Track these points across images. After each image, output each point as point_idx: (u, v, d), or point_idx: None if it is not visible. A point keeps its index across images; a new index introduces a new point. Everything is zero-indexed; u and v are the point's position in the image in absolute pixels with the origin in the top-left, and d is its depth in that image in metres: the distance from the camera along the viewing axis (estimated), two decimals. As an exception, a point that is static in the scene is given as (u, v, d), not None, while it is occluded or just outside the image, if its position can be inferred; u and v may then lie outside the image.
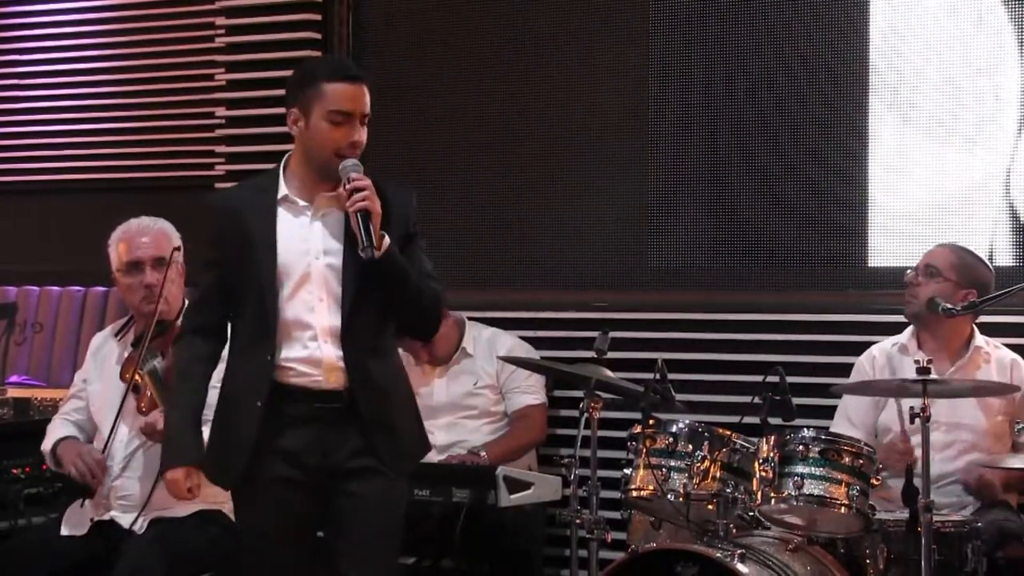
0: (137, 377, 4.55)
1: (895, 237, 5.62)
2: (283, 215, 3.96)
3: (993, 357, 4.97)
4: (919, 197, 5.57)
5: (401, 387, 4.09)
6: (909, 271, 4.99)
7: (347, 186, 3.86)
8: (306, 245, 3.95)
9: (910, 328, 5.05)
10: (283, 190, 3.98)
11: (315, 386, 3.93)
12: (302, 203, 3.97)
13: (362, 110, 3.92)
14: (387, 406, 3.99)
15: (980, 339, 4.99)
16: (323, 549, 4.02)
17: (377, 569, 4.00)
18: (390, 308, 3.99)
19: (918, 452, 4.39)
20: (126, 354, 4.73)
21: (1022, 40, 5.45)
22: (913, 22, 5.59)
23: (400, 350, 5.57)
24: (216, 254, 4.00)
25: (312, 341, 3.93)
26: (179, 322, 4.69)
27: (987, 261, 5.04)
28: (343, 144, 3.90)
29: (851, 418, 5.01)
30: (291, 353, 3.92)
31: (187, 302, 4.58)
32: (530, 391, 5.63)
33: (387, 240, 3.86)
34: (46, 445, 4.83)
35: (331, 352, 3.93)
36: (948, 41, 5.55)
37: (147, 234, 4.78)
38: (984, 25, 5.49)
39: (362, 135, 3.93)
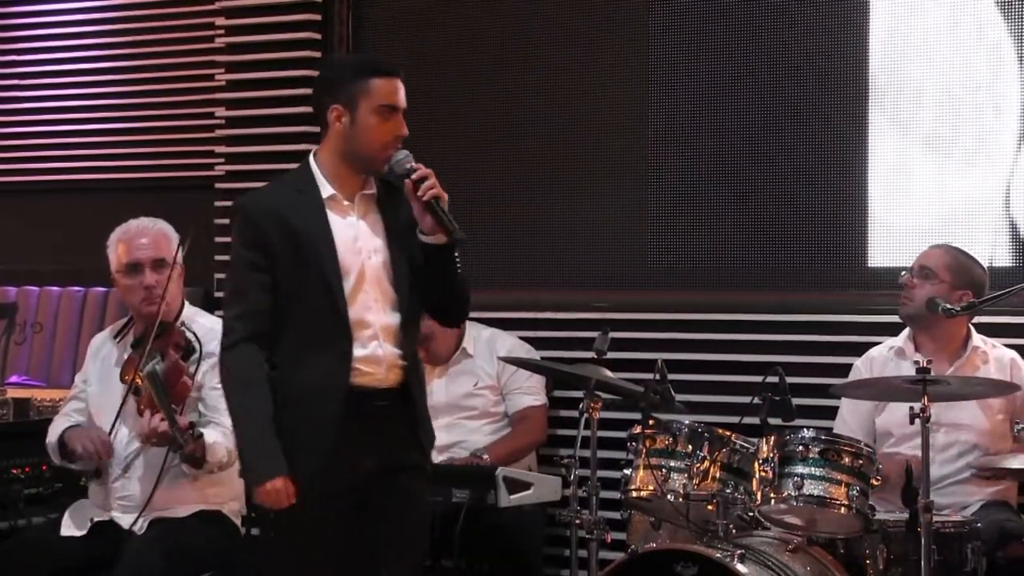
0: (137, 379, 4.54)
1: (895, 237, 5.62)
2: (331, 215, 3.96)
3: (991, 356, 4.97)
4: (918, 212, 5.55)
5: None
6: (904, 272, 4.99)
7: (413, 177, 3.90)
8: (357, 244, 3.95)
9: (906, 331, 5.04)
10: (328, 189, 3.96)
11: (377, 384, 3.94)
12: (346, 202, 3.97)
13: (404, 104, 3.97)
14: (424, 400, 4.08)
15: (977, 339, 4.98)
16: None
17: (416, 569, 4.05)
18: (441, 294, 4.03)
19: (915, 453, 4.40)
20: (126, 356, 4.72)
21: (1022, 55, 5.45)
22: (913, 36, 5.58)
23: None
24: (259, 257, 3.89)
25: (372, 340, 3.93)
26: (178, 325, 4.70)
27: (981, 262, 5.03)
28: (390, 138, 3.93)
29: (848, 423, 5.01)
30: (354, 352, 3.92)
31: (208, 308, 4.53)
32: (531, 392, 5.63)
33: None
34: (51, 438, 4.81)
35: (391, 351, 3.95)
36: (948, 55, 5.53)
37: (146, 235, 4.77)
38: (984, 39, 5.48)
39: (405, 128, 3.98)
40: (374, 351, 3.92)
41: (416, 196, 3.90)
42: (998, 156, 5.49)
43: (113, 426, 4.65)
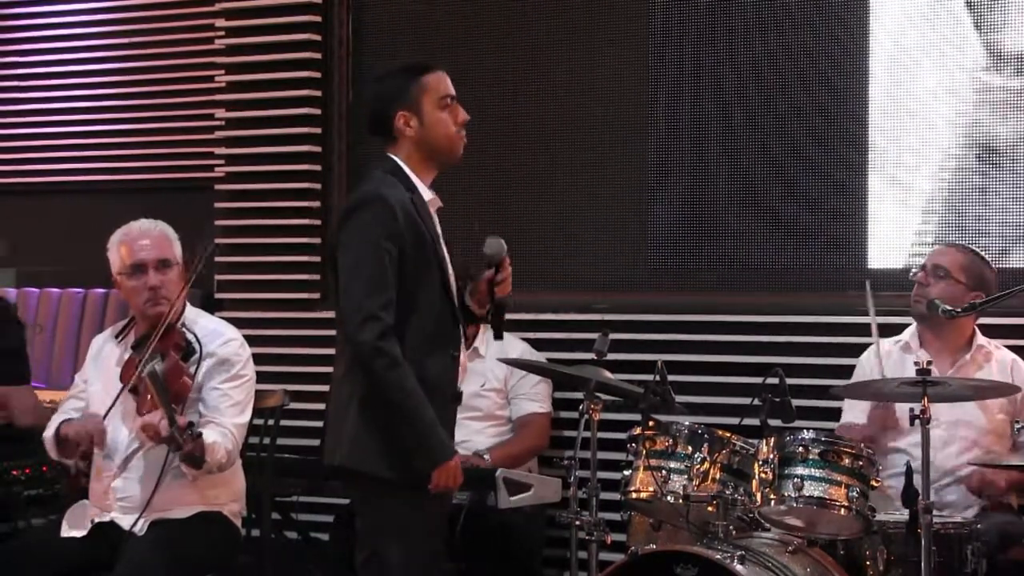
0: (136, 379, 4.53)
1: (895, 239, 5.63)
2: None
3: (994, 357, 4.98)
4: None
5: None
6: (915, 269, 4.98)
7: (501, 273, 4.10)
8: (442, 249, 4.07)
9: (912, 326, 5.05)
10: (428, 193, 4.07)
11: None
12: (432, 209, 4.09)
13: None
14: None
15: (982, 339, 5.00)
16: None
17: None
18: None
19: (916, 451, 4.40)
20: (126, 356, 4.71)
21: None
22: (911, 99, 5.59)
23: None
24: (394, 249, 3.92)
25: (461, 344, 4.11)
26: (179, 326, 4.69)
27: (991, 262, 5.04)
28: (457, 124, 4.06)
29: (855, 414, 5.02)
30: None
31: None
32: (536, 398, 5.65)
33: None
34: (48, 432, 4.77)
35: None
36: (947, 119, 5.54)
37: (148, 236, 4.76)
38: (983, 104, 5.48)
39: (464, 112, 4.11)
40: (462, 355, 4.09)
41: (491, 285, 4.07)
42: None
43: (104, 418, 4.65)
